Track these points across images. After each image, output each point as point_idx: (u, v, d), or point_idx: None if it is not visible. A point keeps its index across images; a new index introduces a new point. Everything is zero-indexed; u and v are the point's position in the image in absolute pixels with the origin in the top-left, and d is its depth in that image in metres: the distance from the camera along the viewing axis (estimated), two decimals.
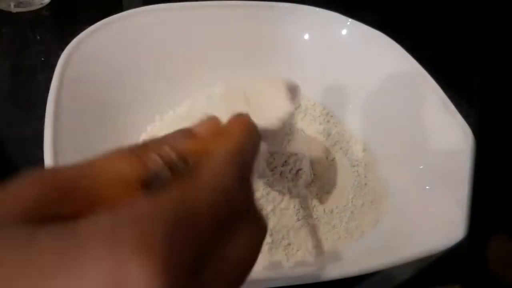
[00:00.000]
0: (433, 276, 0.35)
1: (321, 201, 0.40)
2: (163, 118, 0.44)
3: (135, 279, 0.12)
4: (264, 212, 0.37)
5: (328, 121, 0.47)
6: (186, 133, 0.18)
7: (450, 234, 0.31)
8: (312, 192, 0.40)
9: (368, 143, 0.45)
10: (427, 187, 0.38)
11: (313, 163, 0.41)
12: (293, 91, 0.32)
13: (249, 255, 0.15)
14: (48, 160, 0.31)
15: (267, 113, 0.30)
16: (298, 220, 0.37)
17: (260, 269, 0.34)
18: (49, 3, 0.61)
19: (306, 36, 0.50)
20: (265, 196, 0.36)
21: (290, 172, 0.38)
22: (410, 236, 0.35)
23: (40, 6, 0.61)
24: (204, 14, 0.48)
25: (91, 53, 0.41)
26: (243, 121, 0.19)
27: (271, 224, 0.36)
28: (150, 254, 0.12)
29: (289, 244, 0.36)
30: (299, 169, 0.38)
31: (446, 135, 0.40)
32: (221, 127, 0.19)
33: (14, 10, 0.59)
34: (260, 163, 0.35)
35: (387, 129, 0.45)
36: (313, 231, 0.37)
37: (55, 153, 0.32)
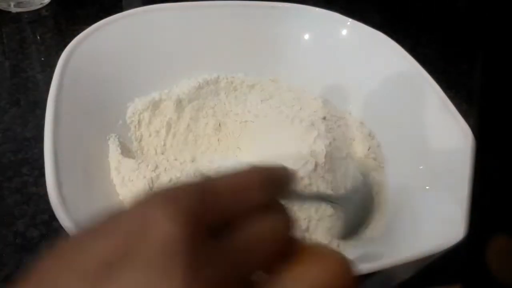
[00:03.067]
0: (433, 276, 0.35)
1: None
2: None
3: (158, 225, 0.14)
4: None
5: (328, 121, 0.47)
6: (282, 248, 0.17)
7: (450, 234, 0.31)
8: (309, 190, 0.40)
9: (368, 143, 0.45)
10: (427, 187, 0.38)
11: (311, 162, 0.41)
12: None
13: (267, 235, 0.17)
14: (48, 160, 0.31)
15: None
16: (301, 222, 0.37)
17: None
18: (49, 3, 0.61)
19: (306, 36, 0.50)
20: None
21: None
22: (410, 236, 0.35)
23: (40, 6, 0.61)
24: (204, 14, 0.48)
25: (91, 53, 0.41)
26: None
27: None
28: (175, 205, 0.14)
29: None
30: None
31: (446, 135, 0.40)
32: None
33: (14, 10, 0.59)
34: None
35: (387, 129, 0.45)
36: (313, 231, 0.37)
37: (55, 153, 0.32)
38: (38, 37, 0.58)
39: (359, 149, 0.45)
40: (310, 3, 0.51)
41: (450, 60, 0.60)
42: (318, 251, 0.18)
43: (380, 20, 0.54)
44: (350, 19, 0.49)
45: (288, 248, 0.17)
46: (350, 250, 0.37)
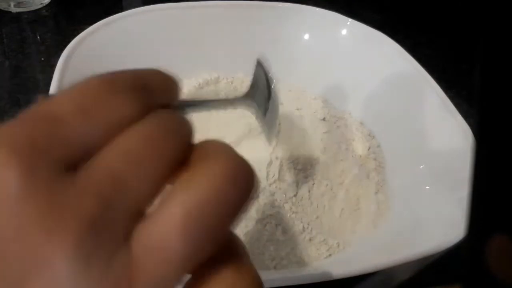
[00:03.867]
0: (433, 276, 0.35)
1: (319, 201, 0.40)
2: None
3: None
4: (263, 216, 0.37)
5: (327, 121, 0.47)
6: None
7: (450, 234, 0.31)
8: (309, 190, 0.40)
9: (368, 143, 0.45)
10: (427, 187, 0.38)
11: (311, 162, 0.41)
12: None
13: (141, 151, 0.13)
14: None
15: None
16: (301, 222, 0.37)
17: (259, 270, 0.34)
18: (49, 3, 0.61)
19: (306, 36, 0.50)
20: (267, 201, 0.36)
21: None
22: (410, 236, 0.35)
23: (40, 6, 0.61)
24: (204, 14, 0.48)
25: (91, 53, 0.41)
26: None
27: (271, 228, 0.36)
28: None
29: (292, 249, 0.36)
30: None
31: (446, 135, 0.40)
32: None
33: (14, 10, 0.59)
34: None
35: (387, 129, 0.45)
36: (313, 231, 0.37)
37: None
38: (38, 37, 0.57)
39: (359, 149, 0.45)
40: (310, 3, 0.51)
41: (450, 60, 0.60)
42: (212, 156, 0.14)
43: (380, 20, 0.54)
44: (350, 19, 0.49)
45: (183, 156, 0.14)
46: (350, 250, 0.37)
